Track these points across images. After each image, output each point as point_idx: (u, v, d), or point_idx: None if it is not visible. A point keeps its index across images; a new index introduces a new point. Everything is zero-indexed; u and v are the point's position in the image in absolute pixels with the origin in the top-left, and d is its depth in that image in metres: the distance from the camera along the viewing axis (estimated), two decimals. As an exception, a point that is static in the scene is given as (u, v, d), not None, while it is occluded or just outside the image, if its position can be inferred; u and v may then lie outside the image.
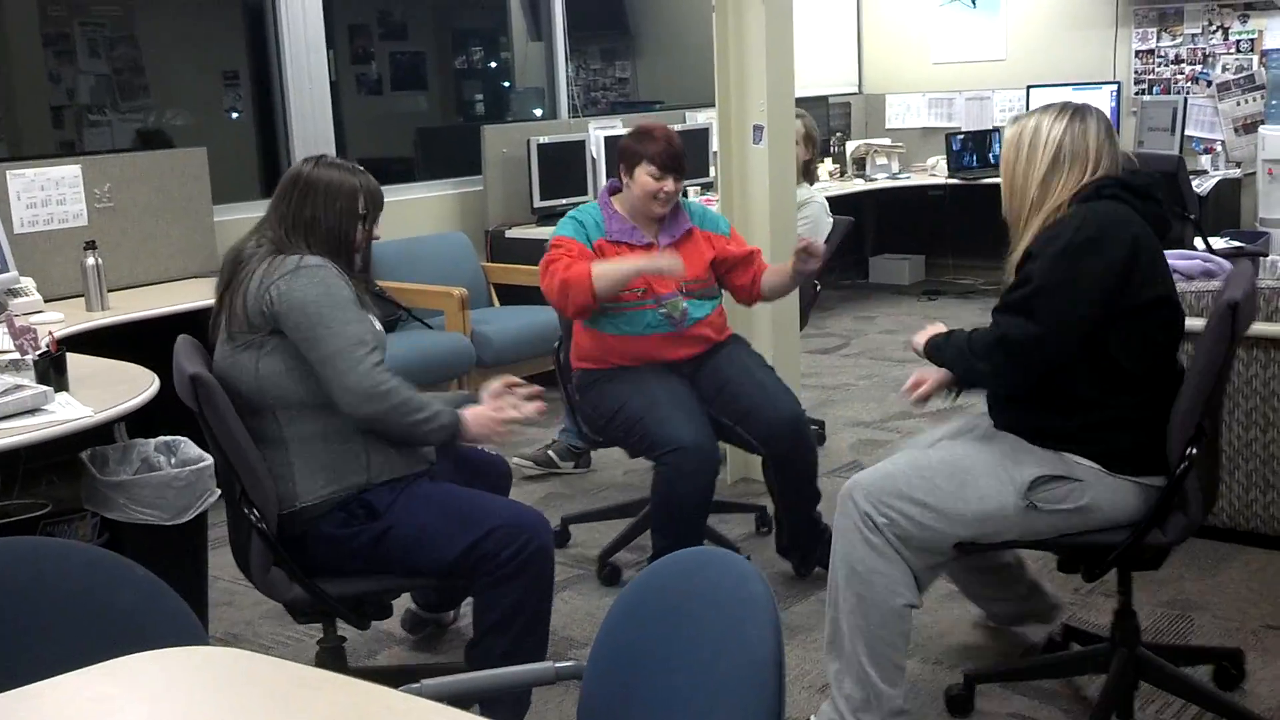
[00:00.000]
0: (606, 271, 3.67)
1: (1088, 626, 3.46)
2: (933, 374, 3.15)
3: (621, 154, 3.88)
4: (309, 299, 2.80)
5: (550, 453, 5.16)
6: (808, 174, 5.41)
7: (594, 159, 7.01)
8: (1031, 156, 2.86)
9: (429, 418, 2.88)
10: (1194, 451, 2.71)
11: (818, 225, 5.18)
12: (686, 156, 3.90)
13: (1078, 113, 2.90)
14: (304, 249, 2.90)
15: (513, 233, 6.65)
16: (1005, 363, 2.81)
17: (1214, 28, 7.95)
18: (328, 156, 3.05)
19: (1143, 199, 2.83)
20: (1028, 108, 8.40)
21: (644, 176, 3.80)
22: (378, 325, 2.98)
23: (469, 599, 3.08)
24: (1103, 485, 2.80)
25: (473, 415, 2.98)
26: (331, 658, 3.11)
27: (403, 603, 3.64)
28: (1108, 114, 8.08)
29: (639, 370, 3.81)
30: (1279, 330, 3.78)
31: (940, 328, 3.06)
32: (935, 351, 3.01)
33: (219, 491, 3.55)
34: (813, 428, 4.96)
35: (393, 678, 3.19)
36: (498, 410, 3.01)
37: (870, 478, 2.90)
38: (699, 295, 3.88)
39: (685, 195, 4.03)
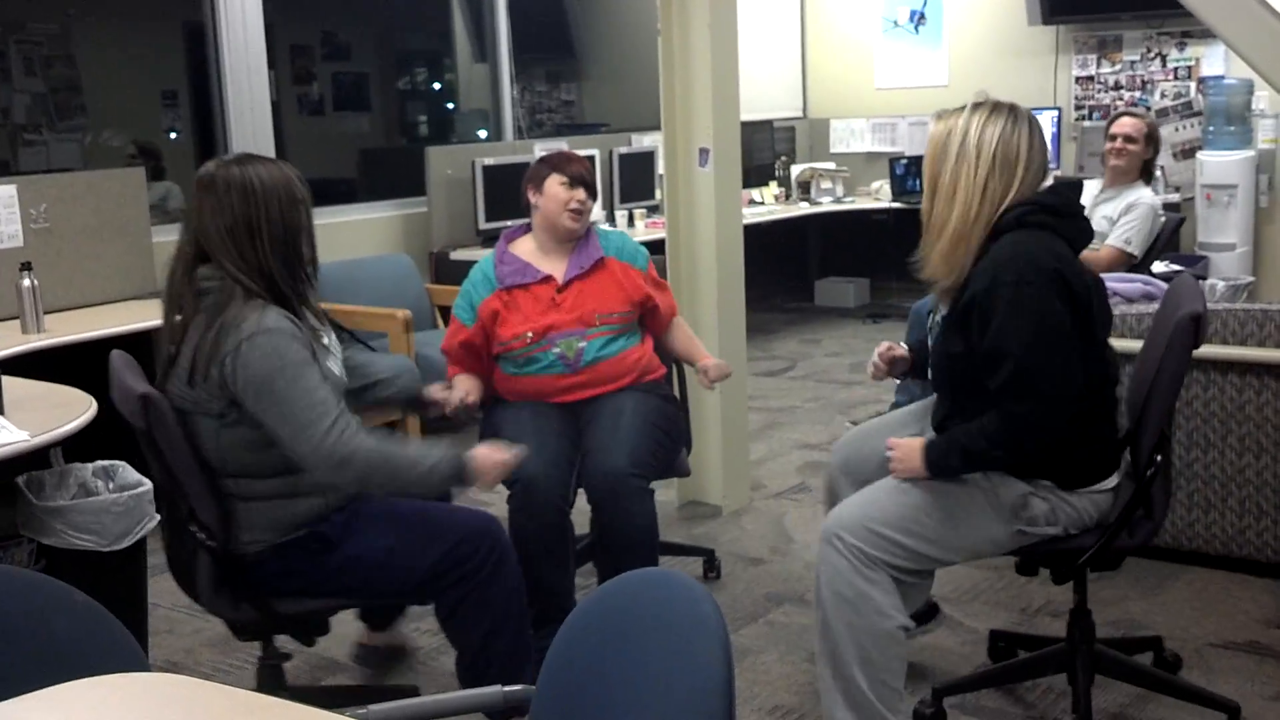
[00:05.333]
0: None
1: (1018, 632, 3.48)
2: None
3: (530, 176, 3.77)
4: (263, 374, 2.65)
5: None
6: (1145, 172, 5.43)
7: (525, 199, 6.99)
8: (967, 158, 2.82)
9: (423, 470, 2.79)
10: (1160, 459, 2.81)
11: (1142, 229, 5.21)
12: (588, 169, 3.77)
13: (1012, 113, 2.86)
14: (259, 267, 2.74)
15: (457, 254, 6.62)
16: (1023, 440, 2.75)
17: (1152, 55, 8.07)
18: (236, 154, 2.87)
19: (1063, 217, 2.83)
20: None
21: (555, 187, 3.68)
22: (335, 367, 2.88)
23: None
24: (1062, 500, 2.85)
25: (481, 454, 2.91)
26: (272, 676, 3.05)
27: (347, 633, 3.60)
28: (1049, 139, 8.23)
29: (525, 405, 3.60)
30: (1219, 352, 3.83)
31: (912, 447, 2.87)
32: (940, 463, 2.82)
33: (159, 516, 3.49)
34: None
35: (342, 699, 3.18)
36: (498, 453, 2.95)
37: (855, 514, 2.85)
38: (610, 330, 3.66)
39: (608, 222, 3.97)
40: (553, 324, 3.60)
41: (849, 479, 3.20)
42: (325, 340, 2.93)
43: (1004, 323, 2.69)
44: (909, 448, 2.86)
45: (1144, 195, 5.29)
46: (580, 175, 3.71)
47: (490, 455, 2.91)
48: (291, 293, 2.80)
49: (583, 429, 3.59)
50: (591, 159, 7.20)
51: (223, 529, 2.78)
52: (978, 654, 3.54)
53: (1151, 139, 5.38)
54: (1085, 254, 5.24)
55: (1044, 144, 2.90)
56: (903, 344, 3.31)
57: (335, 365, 2.91)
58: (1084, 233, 2.90)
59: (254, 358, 2.66)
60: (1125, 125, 5.37)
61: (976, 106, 2.87)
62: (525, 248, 3.77)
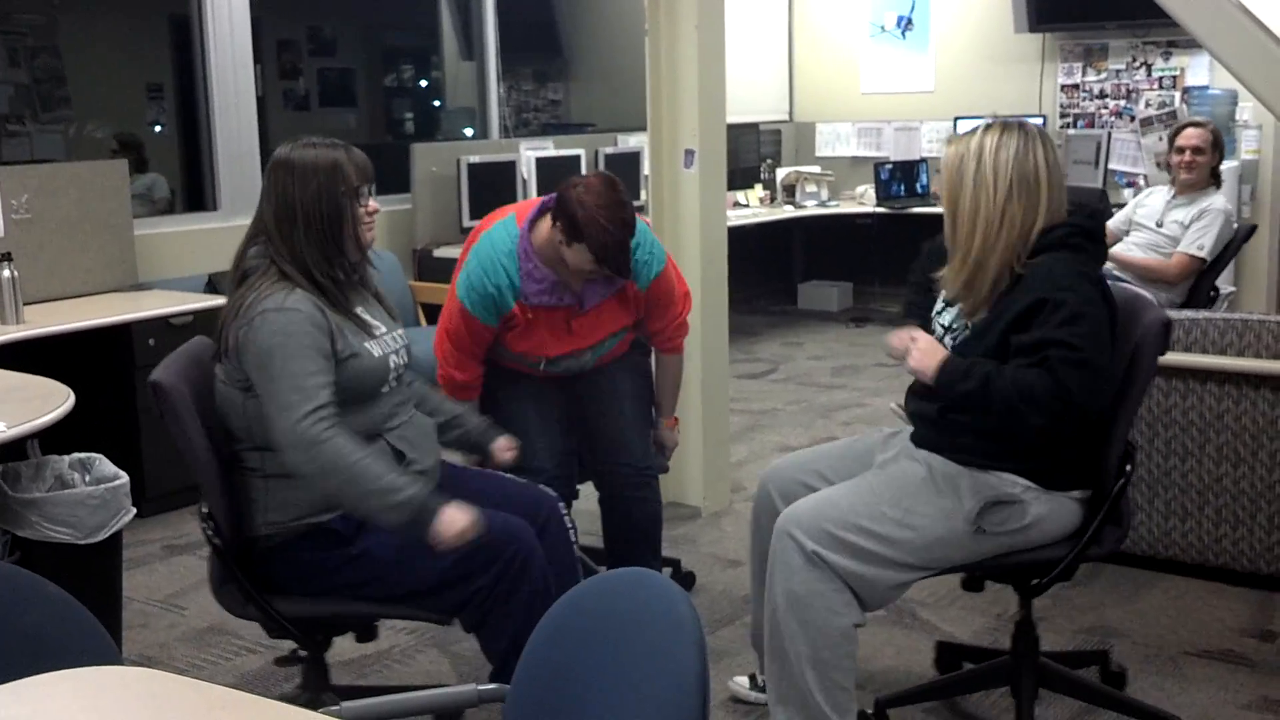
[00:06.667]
0: None
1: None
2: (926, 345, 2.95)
3: (566, 209, 3.20)
4: (263, 347, 2.65)
5: None
6: (1215, 177, 5.44)
7: (525, 180, 7.00)
8: (985, 184, 2.79)
9: (388, 499, 2.62)
10: (1130, 468, 2.82)
11: (1214, 233, 5.24)
12: (626, 254, 3.29)
13: (1023, 132, 2.84)
14: (294, 252, 2.73)
15: (440, 252, 6.61)
16: (1061, 411, 2.64)
17: (1138, 64, 8.10)
18: (308, 138, 2.83)
19: (1096, 243, 2.85)
20: (955, 138, 8.49)
21: (578, 257, 3.24)
22: (376, 350, 2.80)
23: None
24: (1040, 502, 2.81)
25: (449, 518, 2.66)
26: (317, 675, 2.96)
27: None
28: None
29: (516, 385, 3.53)
30: (1198, 361, 3.84)
31: (936, 348, 2.83)
32: (953, 380, 2.75)
33: (134, 510, 3.49)
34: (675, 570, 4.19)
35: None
36: (467, 530, 2.68)
37: (809, 509, 2.81)
38: (605, 341, 3.59)
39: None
40: (565, 348, 3.52)
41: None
42: (379, 330, 2.86)
43: (1077, 312, 2.66)
44: (931, 347, 2.81)
45: (1216, 201, 5.33)
46: (610, 260, 3.23)
47: (457, 521, 2.66)
48: (328, 280, 2.77)
49: (581, 407, 3.61)
50: (576, 159, 7.25)
51: (237, 514, 2.75)
52: (917, 667, 3.54)
53: (1217, 145, 5.42)
54: (1156, 263, 5.31)
55: (1058, 159, 2.88)
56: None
57: (378, 348, 2.82)
58: (1103, 259, 2.92)
59: (263, 332, 2.66)
60: (1192, 137, 5.40)
61: (988, 128, 2.85)
62: (548, 250, 3.34)
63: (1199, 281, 5.38)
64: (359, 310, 2.85)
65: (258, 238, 2.81)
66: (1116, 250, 5.52)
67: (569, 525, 3.07)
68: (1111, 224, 5.75)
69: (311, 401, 2.63)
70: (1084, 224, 2.84)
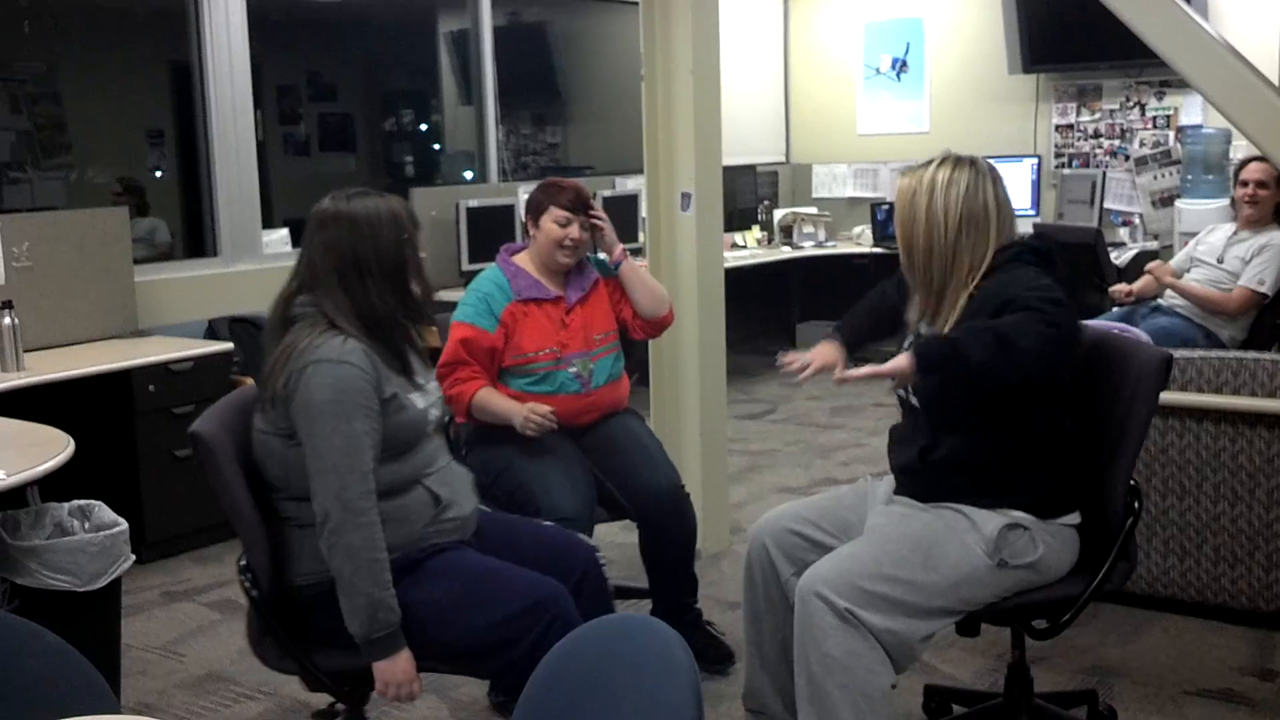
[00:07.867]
0: (488, 405, 3.59)
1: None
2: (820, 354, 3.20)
3: (529, 205, 3.86)
4: (315, 402, 2.62)
5: None
6: (1277, 215, 5.47)
7: (524, 223, 7.02)
8: (935, 221, 2.83)
9: (379, 603, 2.59)
10: (1138, 505, 2.86)
11: (1271, 267, 5.29)
12: (583, 200, 3.85)
13: (974, 168, 2.86)
14: (357, 304, 2.72)
15: (440, 295, 6.62)
16: (1050, 351, 2.63)
17: (1132, 104, 8.15)
18: (349, 190, 2.82)
19: (1049, 263, 2.86)
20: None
21: (550, 224, 3.77)
22: (420, 402, 2.80)
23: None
24: (1043, 532, 2.82)
25: (398, 667, 2.63)
26: None
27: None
28: (1029, 187, 8.31)
29: (531, 443, 3.60)
30: (1195, 400, 3.85)
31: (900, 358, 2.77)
32: (930, 351, 2.71)
33: (133, 557, 3.49)
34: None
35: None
36: (412, 681, 2.66)
37: (833, 567, 2.74)
38: (606, 351, 3.82)
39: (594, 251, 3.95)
40: (566, 344, 3.73)
41: (789, 563, 3.02)
42: (421, 380, 2.86)
43: (1048, 295, 2.69)
44: (897, 360, 2.74)
45: (1276, 237, 5.35)
46: (578, 208, 3.79)
47: (399, 674, 2.63)
48: (397, 329, 2.78)
49: (596, 454, 3.74)
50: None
51: (275, 564, 2.72)
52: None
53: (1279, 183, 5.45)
54: (1217, 295, 5.33)
55: (1007, 195, 2.90)
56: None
57: (421, 400, 2.82)
58: (1060, 282, 2.92)
59: (316, 385, 2.63)
60: (1256, 171, 5.43)
61: (940, 163, 2.87)
62: (528, 263, 3.84)
63: (1260, 317, 5.38)
64: (413, 359, 2.84)
65: (303, 289, 2.78)
66: (1179, 281, 5.54)
67: (606, 577, 3.04)
68: (1174, 262, 5.78)
69: (358, 471, 2.62)
70: (1033, 244, 2.88)
